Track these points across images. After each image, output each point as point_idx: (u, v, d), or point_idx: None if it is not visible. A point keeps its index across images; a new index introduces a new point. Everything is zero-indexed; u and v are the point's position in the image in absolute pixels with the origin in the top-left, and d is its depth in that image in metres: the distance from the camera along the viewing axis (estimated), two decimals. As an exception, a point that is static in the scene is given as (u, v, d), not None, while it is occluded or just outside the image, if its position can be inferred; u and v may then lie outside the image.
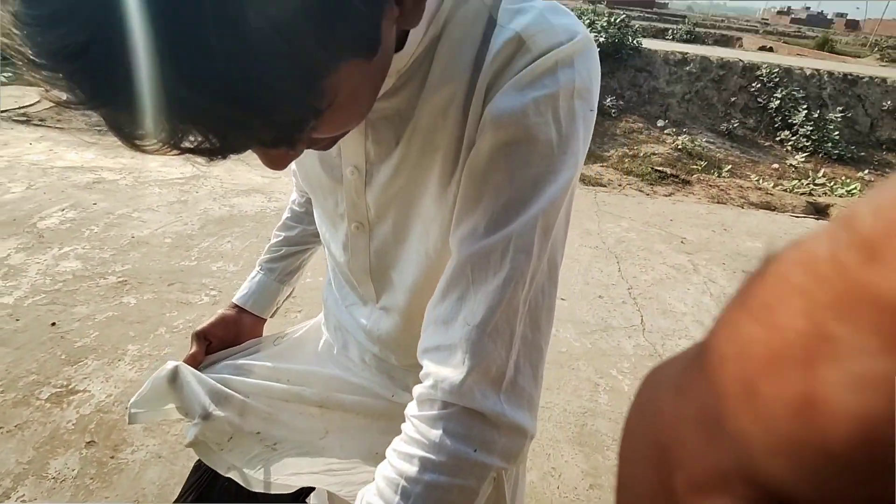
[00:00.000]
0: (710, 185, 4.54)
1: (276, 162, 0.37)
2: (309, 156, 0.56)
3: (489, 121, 0.40)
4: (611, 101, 5.95)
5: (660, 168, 4.85)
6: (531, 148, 0.40)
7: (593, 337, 2.23)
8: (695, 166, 5.22)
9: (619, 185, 4.40)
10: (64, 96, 0.26)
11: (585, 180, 3.99)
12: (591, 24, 6.96)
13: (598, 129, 5.32)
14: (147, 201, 3.02)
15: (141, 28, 0.23)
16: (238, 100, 0.27)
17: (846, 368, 0.08)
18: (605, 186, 3.96)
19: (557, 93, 0.39)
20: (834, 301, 0.08)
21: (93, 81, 0.25)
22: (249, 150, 0.33)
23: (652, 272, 2.85)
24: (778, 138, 6.27)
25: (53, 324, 1.95)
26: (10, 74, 5.40)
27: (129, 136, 0.28)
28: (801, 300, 0.09)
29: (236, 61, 0.25)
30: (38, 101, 4.58)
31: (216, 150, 0.30)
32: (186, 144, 0.29)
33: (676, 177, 4.67)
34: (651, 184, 4.58)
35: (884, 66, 10.95)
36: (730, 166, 5.45)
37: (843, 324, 0.08)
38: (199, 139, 0.28)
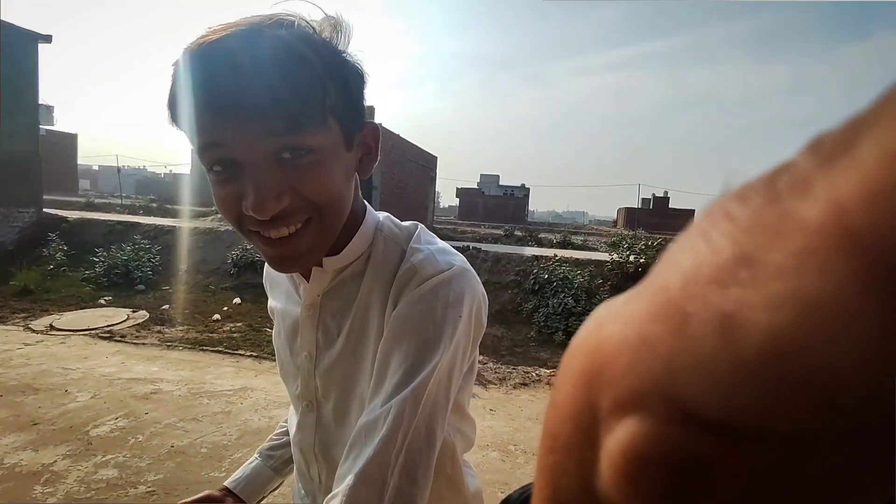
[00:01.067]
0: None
1: (266, 193, 0.49)
2: (284, 349, 0.71)
3: (391, 322, 0.55)
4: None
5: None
6: (413, 342, 0.53)
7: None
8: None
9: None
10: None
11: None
12: (629, 248, 7.33)
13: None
14: (194, 411, 3.16)
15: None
16: (287, 99, 0.47)
17: (764, 288, 0.09)
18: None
19: (435, 305, 0.54)
20: (763, 228, 0.09)
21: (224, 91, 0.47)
22: None
23: None
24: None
25: (73, 536, 1.92)
26: (110, 297, 6.29)
27: (218, 134, 0.48)
28: (733, 228, 0.10)
29: (291, 80, 0.47)
30: (125, 321, 5.21)
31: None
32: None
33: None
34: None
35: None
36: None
37: (768, 249, 0.09)
38: (255, 122, 0.47)
